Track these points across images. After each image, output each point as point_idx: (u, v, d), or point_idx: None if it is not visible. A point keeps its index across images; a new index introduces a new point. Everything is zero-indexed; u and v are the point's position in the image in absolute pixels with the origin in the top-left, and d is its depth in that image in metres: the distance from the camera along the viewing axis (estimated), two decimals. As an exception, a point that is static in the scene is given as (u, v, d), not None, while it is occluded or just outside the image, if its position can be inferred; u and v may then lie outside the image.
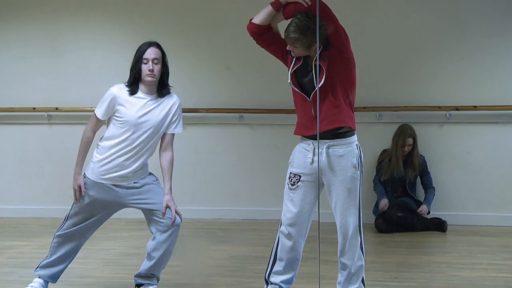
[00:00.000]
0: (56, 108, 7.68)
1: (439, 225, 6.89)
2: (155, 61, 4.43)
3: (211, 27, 7.53)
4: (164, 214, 4.46)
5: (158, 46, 4.50)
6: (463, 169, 7.21)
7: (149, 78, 4.42)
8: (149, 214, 4.52)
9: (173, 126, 4.55)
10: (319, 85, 3.99)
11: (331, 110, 4.05)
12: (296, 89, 4.12)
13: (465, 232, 6.81)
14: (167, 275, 5.00)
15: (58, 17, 7.73)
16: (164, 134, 4.55)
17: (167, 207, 4.47)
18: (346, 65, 4.07)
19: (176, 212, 4.47)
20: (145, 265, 4.57)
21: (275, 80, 6.81)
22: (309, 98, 4.08)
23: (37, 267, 4.63)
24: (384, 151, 7.13)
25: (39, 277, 4.61)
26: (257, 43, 4.20)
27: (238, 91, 7.51)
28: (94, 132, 4.52)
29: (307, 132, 4.15)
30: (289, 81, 4.12)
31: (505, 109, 7.05)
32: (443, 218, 6.97)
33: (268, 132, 7.51)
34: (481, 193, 7.17)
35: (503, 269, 5.41)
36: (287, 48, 4.07)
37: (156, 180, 4.61)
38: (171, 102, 4.53)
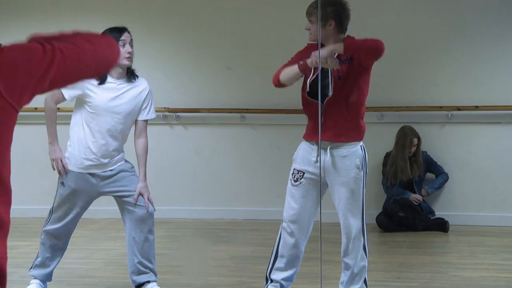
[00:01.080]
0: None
1: (440, 225, 6.87)
2: (131, 44, 4.40)
3: (212, 27, 7.53)
4: (136, 200, 4.43)
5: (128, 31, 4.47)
6: (464, 169, 7.20)
7: (126, 62, 4.37)
8: (122, 204, 4.49)
9: (145, 112, 4.53)
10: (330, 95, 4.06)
11: (340, 122, 4.10)
12: (311, 98, 4.13)
13: (467, 232, 6.80)
14: (168, 275, 5.00)
15: (58, 17, 7.71)
16: (136, 121, 4.53)
17: (140, 194, 4.44)
18: (365, 75, 4.16)
19: (148, 200, 4.44)
20: (130, 260, 4.48)
21: (276, 80, 6.79)
22: (323, 103, 4.08)
23: (31, 268, 4.63)
24: (388, 154, 7.10)
25: (35, 278, 4.60)
26: None
27: (239, 91, 7.50)
28: (56, 104, 4.51)
29: (313, 138, 4.16)
30: (307, 90, 4.13)
31: (507, 109, 7.04)
32: (445, 218, 6.96)
33: (270, 132, 7.50)
34: (482, 193, 7.16)
35: (504, 269, 5.41)
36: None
37: (132, 168, 4.58)
38: (141, 88, 4.50)
